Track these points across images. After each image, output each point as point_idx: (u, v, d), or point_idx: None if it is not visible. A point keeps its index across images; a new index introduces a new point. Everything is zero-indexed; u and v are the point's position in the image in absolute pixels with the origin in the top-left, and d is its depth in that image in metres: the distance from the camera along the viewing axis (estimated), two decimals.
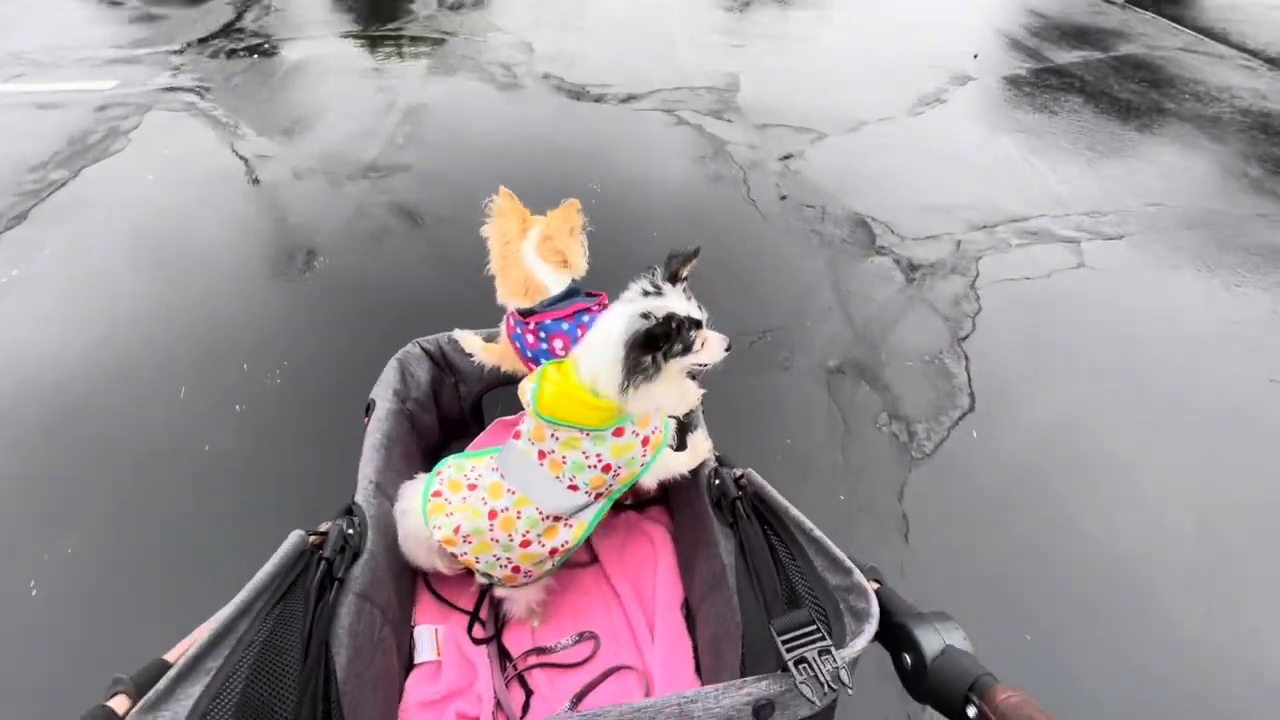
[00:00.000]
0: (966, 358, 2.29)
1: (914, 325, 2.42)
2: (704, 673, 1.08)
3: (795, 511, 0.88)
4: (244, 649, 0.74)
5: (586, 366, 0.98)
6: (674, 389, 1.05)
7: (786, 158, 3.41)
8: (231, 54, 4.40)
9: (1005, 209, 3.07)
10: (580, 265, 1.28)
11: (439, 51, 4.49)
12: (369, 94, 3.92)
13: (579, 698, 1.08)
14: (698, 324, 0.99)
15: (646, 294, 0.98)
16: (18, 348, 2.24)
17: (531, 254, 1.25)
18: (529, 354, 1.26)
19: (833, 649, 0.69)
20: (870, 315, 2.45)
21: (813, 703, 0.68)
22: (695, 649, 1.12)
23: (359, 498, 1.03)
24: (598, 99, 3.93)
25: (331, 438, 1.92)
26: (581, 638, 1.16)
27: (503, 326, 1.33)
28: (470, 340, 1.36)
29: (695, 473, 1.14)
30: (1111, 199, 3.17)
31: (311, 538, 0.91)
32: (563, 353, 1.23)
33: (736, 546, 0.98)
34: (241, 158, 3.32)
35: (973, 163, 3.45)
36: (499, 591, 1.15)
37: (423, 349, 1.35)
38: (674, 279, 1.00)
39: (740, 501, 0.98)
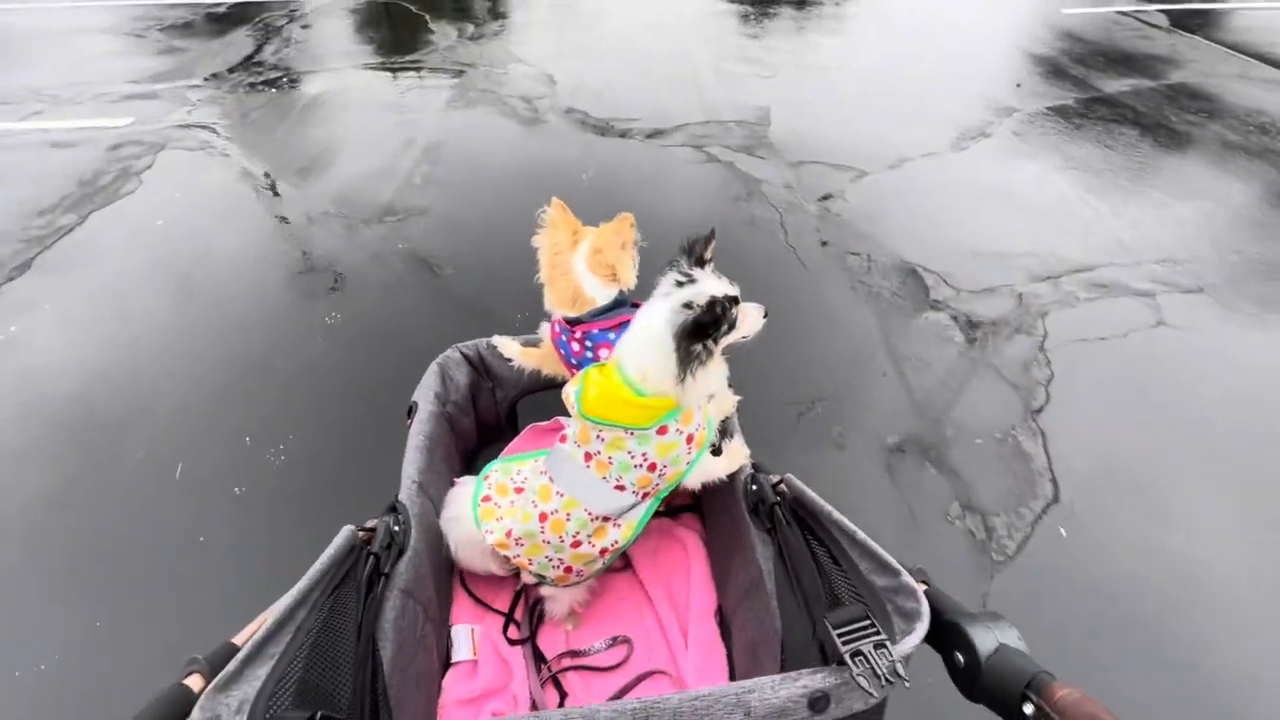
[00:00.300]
0: (1043, 434, 2.04)
1: (980, 395, 2.18)
2: (739, 678, 1.06)
3: (837, 515, 0.87)
4: (303, 636, 0.76)
5: (634, 364, 0.98)
6: (719, 369, 1.07)
7: (826, 198, 3.20)
8: (250, 88, 4.32)
9: (1067, 257, 2.82)
10: (629, 279, 1.27)
11: (459, 84, 4.37)
12: (387, 129, 3.80)
13: (614, 700, 1.05)
14: (735, 300, 1.00)
15: (680, 284, 0.98)
16: (10, 418, 2.09)
17: (581, 266, 1.25)
18: (573, 361, 1.27)
19: (888, 642, 0.69)
20: (930, 383, 2.22)
21: (870, 695, 0.69)
22: (730, 655, 1.10)
23: (403, 496, 1.05)
24: (623, 134, 3.76)
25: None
26: (615, 642, 1.16)
27: (546, 331, 1.35)
28: (509, 346, 1.37)
29: (731, 479, 1.13)
30: (1183, 245, 2.91)
31: (360, 533, 0.93)
32: None
33: (775, 553, 0.97)
34: (255, 201, 3.19)
35: (1026, 203, 3.21)
36: (544, 590, 1.16)
37: (462, 354, 1.37)
38: (700, 262, 1.01)
39: (779, 507, 0.97)
